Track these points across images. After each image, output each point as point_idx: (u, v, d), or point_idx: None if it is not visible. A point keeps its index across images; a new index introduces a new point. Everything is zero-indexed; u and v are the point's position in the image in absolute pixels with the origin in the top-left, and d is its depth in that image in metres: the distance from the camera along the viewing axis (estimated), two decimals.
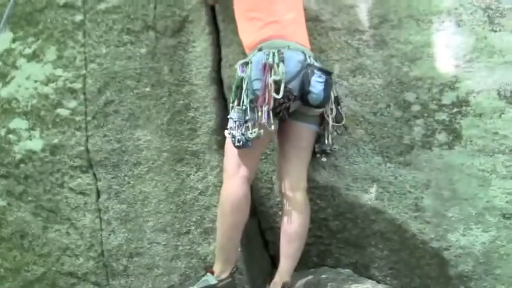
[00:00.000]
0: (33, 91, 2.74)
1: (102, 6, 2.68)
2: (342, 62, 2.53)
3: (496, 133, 2.35)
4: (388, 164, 2.47)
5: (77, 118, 2.70)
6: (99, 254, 2.70)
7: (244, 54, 2.36)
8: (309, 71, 2.16)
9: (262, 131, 2.10)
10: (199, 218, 2.62)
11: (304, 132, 2.32)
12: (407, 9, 2.47)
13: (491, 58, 2.38)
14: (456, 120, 2.39)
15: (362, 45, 2.51)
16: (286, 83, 2.10)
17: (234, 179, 2.22)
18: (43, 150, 2.72)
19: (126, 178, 2.68)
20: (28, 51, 2.75)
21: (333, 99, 2.32)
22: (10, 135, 2.76)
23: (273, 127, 2.10)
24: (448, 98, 2.41)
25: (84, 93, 2.70)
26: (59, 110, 2.72)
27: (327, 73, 2.21)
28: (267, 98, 2.08)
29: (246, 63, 2.19)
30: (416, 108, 2.44)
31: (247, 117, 2.12)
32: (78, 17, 2.70)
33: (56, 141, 2.72)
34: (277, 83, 2.08)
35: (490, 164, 2.35)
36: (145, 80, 2.66)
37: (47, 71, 2.73)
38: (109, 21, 2.68)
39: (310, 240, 2.46)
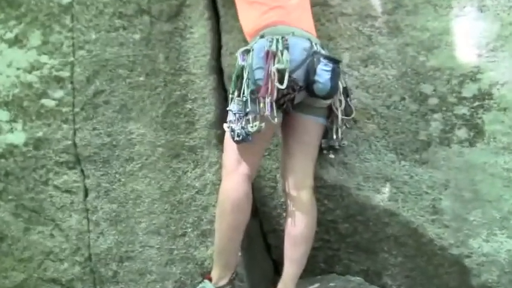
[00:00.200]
0: (15, 79, 2.72)
1: None
2: (352, 50, 2.49)
3: None
4: (403, 162, 2.44)
5: (64, 109, 2.68)
6: (86, 258, 2.69)
7: (246, 42, 2.33)
8: (315, 59, 2.13)
9: (264, 124, 2.08)
10: (196, 219, 2.60)
11: (310, 126, 2.28)
12: None
13: None
14: (478, 114, 2.35)
15: (374, 32, 2.47)
16: (291, 72, 2.07)
17: (233, 176, 2.20)
18: (26, 144, 2.71)
19: (117, 175, 2.66)
20: (10, 35, 2.71)
21: (341, 90, 2.29)
22: None
23: (276, 120, 2.08)
24: (469, 90, 2.36)
25: (71, 83, 2.67)
26: (44, 101, 2.69)
27: (334, 61, 2.17)
28: (269, 88, 2.05)
29: (247, 51, 2.15)
30: (433, 101, 2.40)
31: (247, 109, 2.09)
32: None
33: (40, 134, 2.69)
34: (280, 72, 2.05)
35: None
36: (139, 69, 2.63)
37: (31, 58, 2.70)
38: (99, 4, 2.64)
39: (317, 244, 2.45)
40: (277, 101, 2.07)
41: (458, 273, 2.38)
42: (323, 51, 2.22)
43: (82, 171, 2.68)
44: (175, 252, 2.61)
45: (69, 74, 2.67)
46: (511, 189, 2.30)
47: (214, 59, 2.64)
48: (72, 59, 2.66)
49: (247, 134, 2.08)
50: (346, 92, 2.34)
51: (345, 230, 2.53)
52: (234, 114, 2.12)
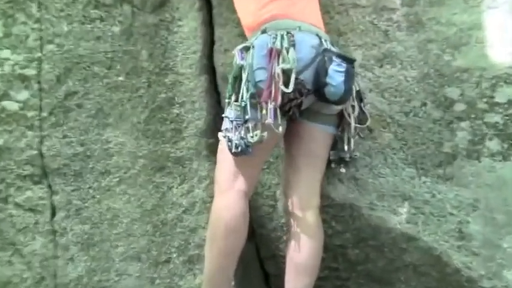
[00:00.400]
0: None
1: None
2: (365, 48, 2.44)
3: None
4: (424, 178, 2.36)
5: (29, 114, 2.60)
6: None
7: (244, 37, 2.30)
8: (326, 58, 2.07)
9: (266, 133, 2.01)
10: (182, 242, 2.54)
11: (318, 135, 2.22)
12: None
13: None
14: None
15: (392, 27, 2.41)
16: (298, 73, 2.00)
17: (228, 193, 2.12)
18: None
19: (91, 191, 2.59)
20: None
21: (354, 95, 2.24)
22: None
23: (280, 129, 2.01)
24: (502, 94, 2.28)
25: (38, 82, 2.60)
26: (5, 103, 2.61)
27: (349, 61, 2.12)
28: (273, 92, 1.98)
29: (247, 48, 2.09)
30: (460, 107, 2.33)
31: (247, 116, 2.02)
32: None
33: (0, 142, 2.62)
34: (286, 73, 1.99)
35: None
36: (118, 67, 2.58)
37: None
38: None
39: (323, 274, 2.39)
40: (281, 106, 2.00)
41: None
42: (334, 49, 2.17)
43: (49, 186, 2.61)
44: (158, 281, 2.55)
45: (35, 72, 2.60)
46: None
47: (206, 56, 2.61)
48: (39, 54, 2.60)
49: (247, 145, 2.02)
50: (360, 97, 2.29)
51: (356, 257, 2.46)
52: (231, 121, 2.05)
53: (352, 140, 2.27)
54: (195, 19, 2.55)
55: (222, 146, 2.13)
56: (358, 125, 2.25)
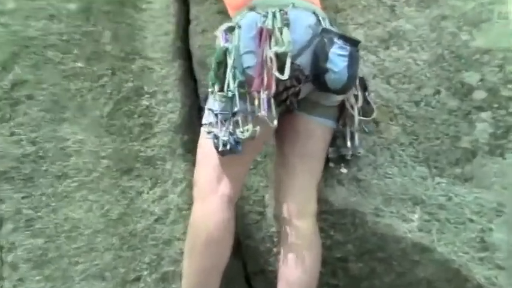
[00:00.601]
0: None
1: None
2: (368, 26, 2.36)
3: None
4: (438, 179, 2.27)
5: None
6: None
7: (224, 14, 2.28)
8: (326, 39, 1.99)
9: (258, 128, 1.91)
10: (155, 257, 2.44)
11: (316, 130, 2.14)
12: None
13: None
14: None
15: (399, 1, 2.34)
16: (294, 58, 1.93)
17: (210, 198, 2.04)
18: None
19: (45, 198, 2.45)
20: None
21: (358, 83, 2.19)
22: None
23: (275, 122, 1.93)
24: None
25: None
26: None
27: (352, 43, 2.03)
28: (265, 79, 1.89)
29: (232, 29, 2.02)
30: (480, 95, 2.24)
31: (236, 109, 1.93)
32: None
33: None
34: (280, 58, 1.90)
35: None
36: (76, 51, 2.48)
37: None
38: None
39: None
40: (276, 96, 1.92)
41: None
42: (334, 29, 2.10)
43: None
44: None
45: None
46: None
47: (180, 38, 2.57)
48: None
49: (237, 142, 1.93)
50: (364, 84, 2.23)
51: (359, 272, 2.38)
52: (216, 115, 1.97)
53: (356, 136, 2.22)
54: None
55: (203, 142, 2.06)
56: (363, 118, 2.20)
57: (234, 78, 1.96)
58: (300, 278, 2.08)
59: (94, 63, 2.49)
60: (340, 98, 2.13)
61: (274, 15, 1.96)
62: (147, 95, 2.50)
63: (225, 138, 1.96)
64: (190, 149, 2.38)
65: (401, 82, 2.32)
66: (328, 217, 2.36)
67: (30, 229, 2.45)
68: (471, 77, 2.24)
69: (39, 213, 2.46)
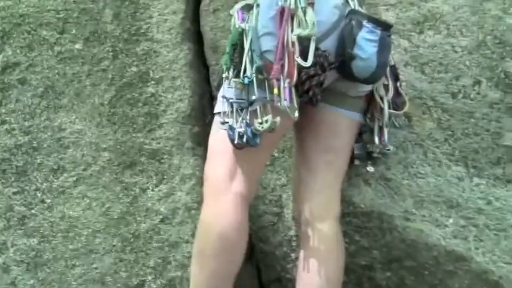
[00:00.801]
0: None
1: None
2: (400, 8, 2.29)
3: None
4: (476, 180, 2.20)
5: None
6: None
7: None
8: (354, 22, 1.93)
9: (279, 118, 1.85)
10: (160, 261, 2.39)
11: (341, 124, 2.08)
12: None
13: None
14: None
15: None
16: (318, 42, 1.86)
17: (223, 197, 1.97)
18: None
19: (39, 194, 2.45)
20: None
21: (388, 71, 2.12)
22: None
23: (296, 114, 1.87)
24: None
25: None
26: None
27: (384, 27, 1.97)
28: (286, 65, 1.83)
29: (249, 7, 1.97)
30: None
31: (253, 97, 1.86)
32: None
33: None
34: (302, 42, 1.84)
35: None
36: (74, 31, 2.47)
37: None
38: None
39: None
40: (297, 85, 1.84)
41: None
42: (363, 11, 2.05)
43: None
44: None
45: None
46: None
47: (190, 19, 2.52)
48: None
49: (255, 135, 1.87)
50: (395, 74, 2.16)
51: (386, 281, 2.30)
52: (231, 104, 1.91)
53: (385, 130, 2.14)
54: None
55: (216, 134, 2.00)
56: (393, 111, 2.13)
57: (252, 62, 1.91)
58: (321, 285, 2.03)
59: (94, 44, 2.47)
60: (368, 88, 2.08)
61: None
62: (152, 82, 2.46)
63: (242, 130, 1.90)
64: (200, 142, 2.35)
65: (437, 71, 2.26)
66: (352, 220, 2.30)
67: (23, 228, 2.46)
68: None
69: (32, 211, 2.46)
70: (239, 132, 1.91)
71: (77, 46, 2.48)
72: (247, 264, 2.34)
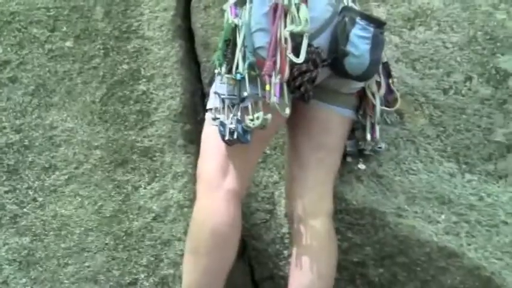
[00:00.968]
0: None
1: None
2: (391, 4, 2.33)
3: None
4: (468, 176, 2.23)
5: None
6: None
7: None
8: (347, 19, 1.95)
9: (270, 115, 1.86)
10: (153, 259, 2.40)
11: (333, 121, 2.09)
12: None
13: None
14: None
15: None
16: (311, 38, 1.88)
17: (215, 194, 1.98)
18: None
19: (31, 192, 2.45)
20: None
21: (381, 68, 2.13)
22: None
23: (287, 111, 1.87)
24: None
25: None
26: None
27: (376, 24, 1.99)
28: (278, 62, 1.84)
29: (242, 3, 1.97)
30: None
31: (245, 93, 1.88)
32: None
33: None
34: (295, 38, 1.85)
35: None
36: (64, 29, 2.47)
37: None
38: None
39: None
40: (289, 82, 1.85)
41: None
42: (356, 7, 2.06)
43: None
44: None
45: None
46: None
47: (181, 15, 2.52)
48: None
49: (245, 131, 1.88)
50: (388, 70, 2.17)
51: (379, 278, 2.31)
52: (223, 100, 1.92)
53: (377, 127, 2.16)
54: None
55: (208, 131, 2.01)
56: (386, 108, 2.15)
57: (244, 58, 1.92)
58: (313, 284, 2.04)
59: (85, 42, 2.46)
60: (360, 85, 2.09)
61: None
62: (144, 79, 2.46)
63: (232, 126, 1.93)
64: (192, 139, 2.35)
65: (428, 67, 2.29)
66: (345, 217, 2.31)
67: (15, 227, 2.45)
68: (507, 62, 2.22)
69: (24, 209, 2.46)
70: (230, 129, 1.93)
71: (68, 44, 2.48)
72: (240, 261, 2.35)
